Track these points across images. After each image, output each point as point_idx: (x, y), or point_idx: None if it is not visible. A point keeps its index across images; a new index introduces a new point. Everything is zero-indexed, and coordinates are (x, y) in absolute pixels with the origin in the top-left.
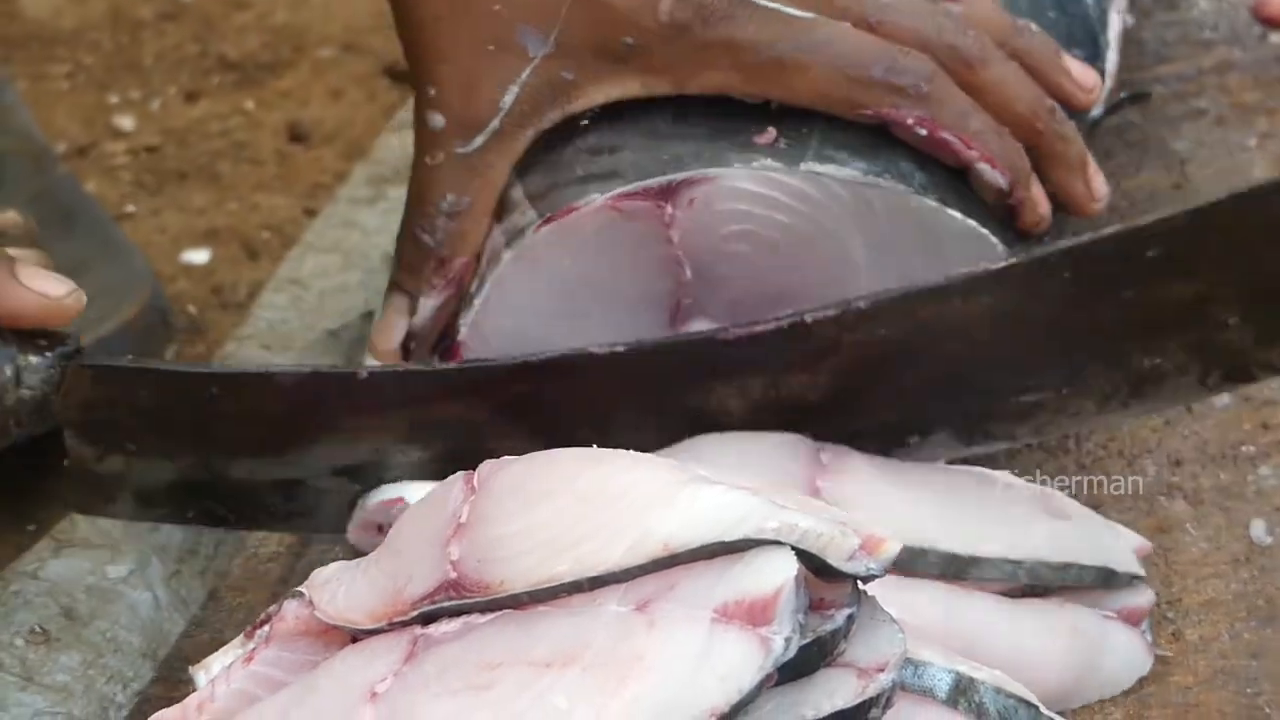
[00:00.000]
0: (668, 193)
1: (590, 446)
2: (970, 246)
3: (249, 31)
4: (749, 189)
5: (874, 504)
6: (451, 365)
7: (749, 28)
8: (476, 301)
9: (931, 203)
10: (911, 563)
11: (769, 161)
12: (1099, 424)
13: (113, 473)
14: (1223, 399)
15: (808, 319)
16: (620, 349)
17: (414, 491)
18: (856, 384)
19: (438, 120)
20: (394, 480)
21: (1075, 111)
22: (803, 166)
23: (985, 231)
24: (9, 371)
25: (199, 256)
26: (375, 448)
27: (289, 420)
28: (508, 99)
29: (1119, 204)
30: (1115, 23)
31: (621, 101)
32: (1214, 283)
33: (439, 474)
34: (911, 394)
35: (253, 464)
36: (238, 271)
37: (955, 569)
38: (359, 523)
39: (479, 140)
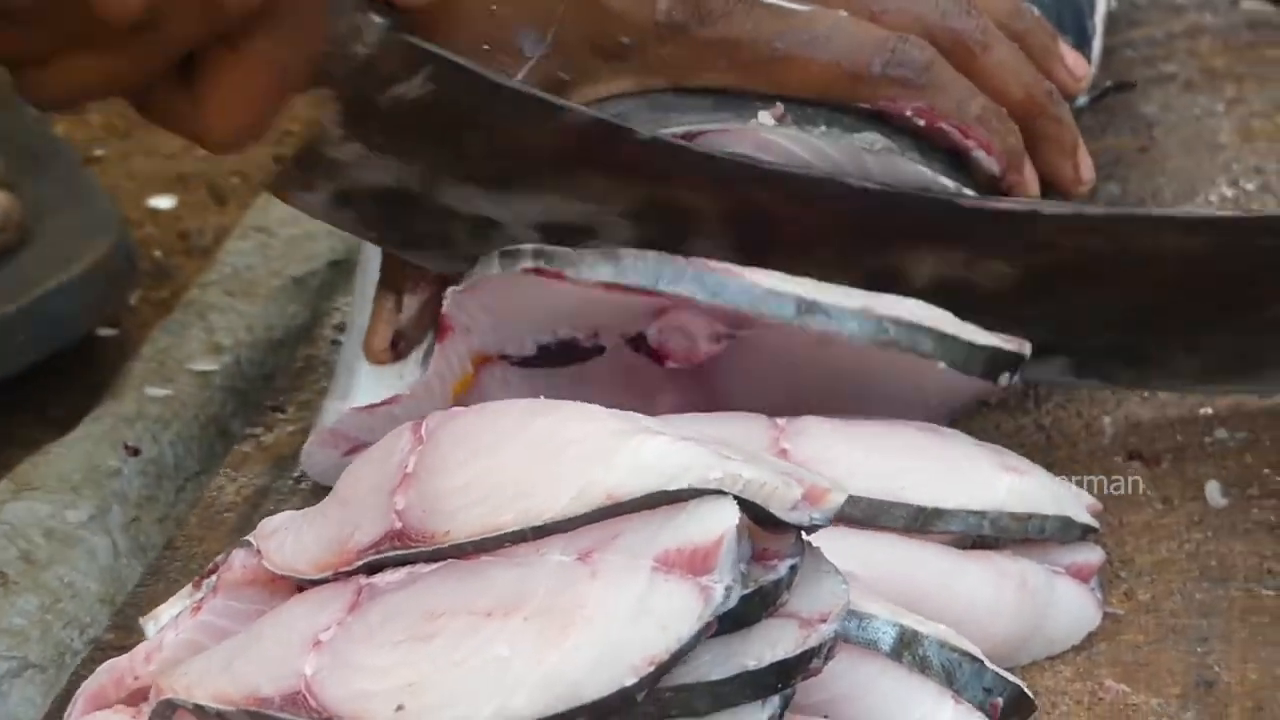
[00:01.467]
0: None
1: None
2: None
3: None
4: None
5: (838, 462)
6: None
7: (746, 25)
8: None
9: (928, 171)
10: (876, 517)
11: (778, 129)
12: (1178, 388)
13: (339, 160)
14: None
15: (1044, 210)
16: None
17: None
18: (1047, 287)
19: None
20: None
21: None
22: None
23: None
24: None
25: (166, 202)
26: (594, 212)
27: (548, 156)
28: None
29: None
30: (1102, 7)
31: None
32: None
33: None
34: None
35: (470, 194)
36: (204, 217)
37: (921, 521)
38: (320, 435)
39: None
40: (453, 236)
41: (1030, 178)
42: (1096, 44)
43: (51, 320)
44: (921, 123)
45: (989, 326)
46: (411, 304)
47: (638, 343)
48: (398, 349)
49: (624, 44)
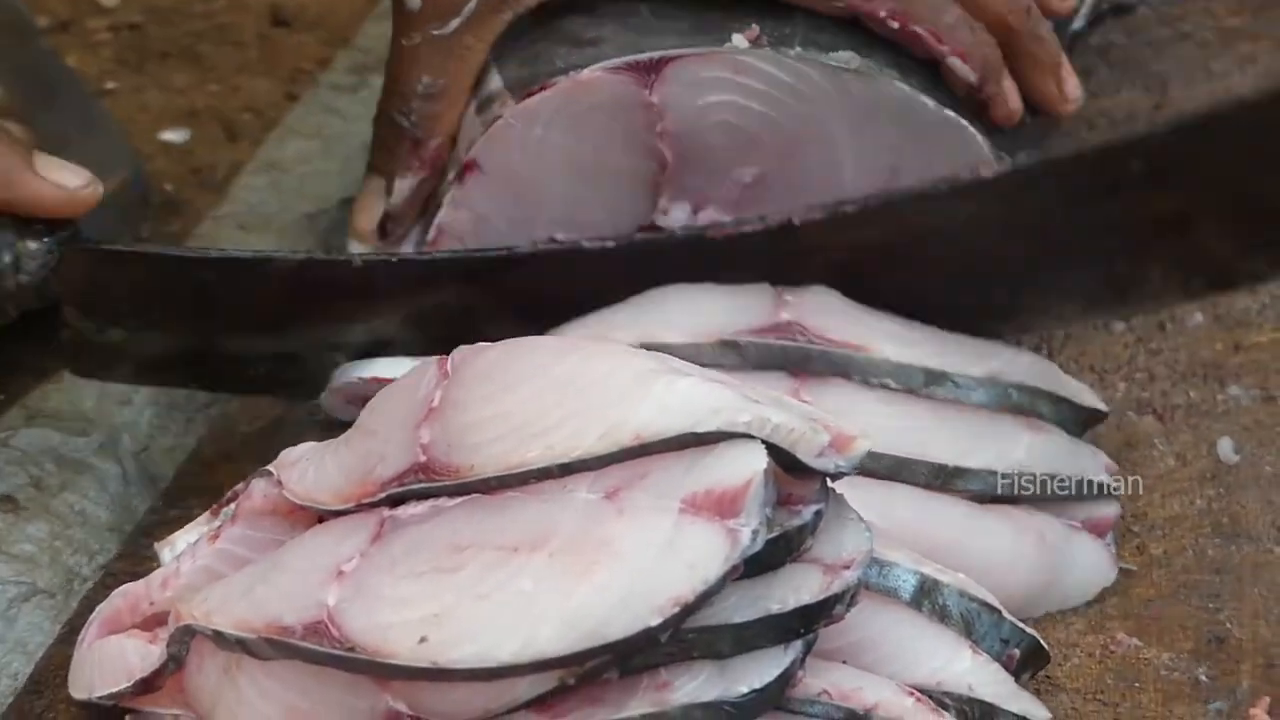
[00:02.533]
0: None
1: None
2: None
3: None
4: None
5: (860, 417)
6: (444, 253)
7: None
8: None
9: (906, 89)
10: (898, 472)
11: (754, 51)
12: (1085, 322)
13: (111, 343)
14: (1195, 318)
15: (795, 220)
16: (610, 244)
17: (392, 369)
18: (843, 284)
19: (415, 2)
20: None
21: (1054, 20)
22: (787, 57)
23: (964, 121)
24: (8, 258)
25: (178, 135)
26: (370, 329)
27: (283, 304)
28: None
29: (1098, 121)
30: None
31: None
32: (1195, 195)
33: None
34: (895, 295)
35: (248, 339)
36: (216, 152)
37: (941, 479)
38: (333, 392)
39: (455, 23)
40: (260, 373)
41: (1010, 90)
42: None
43: None
44: (896, 25)
45: None
46: (402, 188)
47: None
48: (385, 231)
49: None
